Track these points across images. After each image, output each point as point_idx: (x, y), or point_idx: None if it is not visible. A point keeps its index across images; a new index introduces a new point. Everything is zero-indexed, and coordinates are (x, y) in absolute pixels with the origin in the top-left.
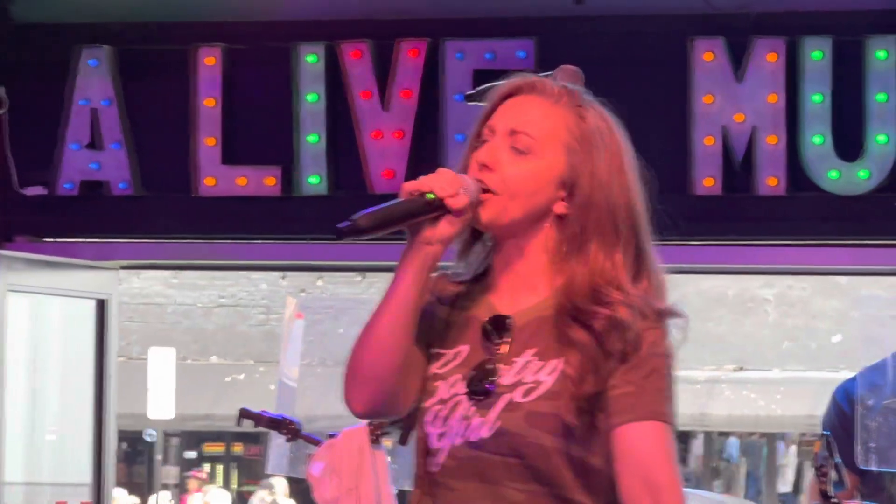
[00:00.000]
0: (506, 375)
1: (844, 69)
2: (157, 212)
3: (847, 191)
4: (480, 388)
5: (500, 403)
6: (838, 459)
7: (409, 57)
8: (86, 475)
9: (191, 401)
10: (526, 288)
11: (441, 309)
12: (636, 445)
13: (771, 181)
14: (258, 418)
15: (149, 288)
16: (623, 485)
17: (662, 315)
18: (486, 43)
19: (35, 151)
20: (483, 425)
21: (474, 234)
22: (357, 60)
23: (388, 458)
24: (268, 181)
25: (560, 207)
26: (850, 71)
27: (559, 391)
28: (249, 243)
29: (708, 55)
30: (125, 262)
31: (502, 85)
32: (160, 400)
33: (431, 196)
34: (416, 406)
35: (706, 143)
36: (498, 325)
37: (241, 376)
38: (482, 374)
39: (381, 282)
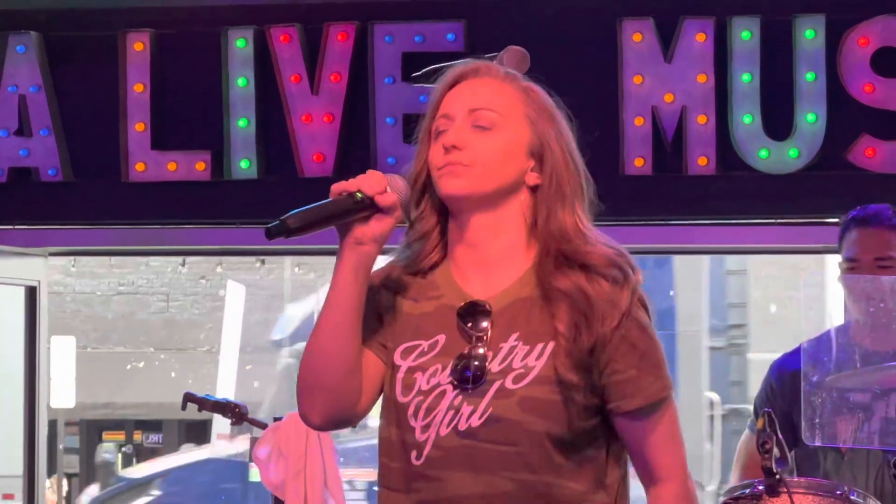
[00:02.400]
0: (493, 362)
1: (773, 49)
2: (86, 198)
3: (777, 170)
4: (468, 375)
5: (491, 390)
6: (781, 436)
7: (338, 40)
8: (17, 466)
9: (91, 389)
10: (497, 268)
11: (402, 302)
12: (641, 433)
13: (701, 161)
14: (202, 402)
15: (48, 276)
16: (636, 469)
17: (632, 274)
18: (414, 26)
19: None
20: (473, 413)
21: (438, 221)
22: (286, 44)
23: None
24: (198, 166)
25: (532, 178)
26: (778, 50)
27: (550, 375)
28: (180, 228)
29: (637, 36)
30: (55, 249)
31: (446, 75)
32: (61, 389)
33: (360, 195)
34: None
35: (636, 124)
36: (474, 311)
37: (141, 364)
38: (469, 361)
39: (279, 268)
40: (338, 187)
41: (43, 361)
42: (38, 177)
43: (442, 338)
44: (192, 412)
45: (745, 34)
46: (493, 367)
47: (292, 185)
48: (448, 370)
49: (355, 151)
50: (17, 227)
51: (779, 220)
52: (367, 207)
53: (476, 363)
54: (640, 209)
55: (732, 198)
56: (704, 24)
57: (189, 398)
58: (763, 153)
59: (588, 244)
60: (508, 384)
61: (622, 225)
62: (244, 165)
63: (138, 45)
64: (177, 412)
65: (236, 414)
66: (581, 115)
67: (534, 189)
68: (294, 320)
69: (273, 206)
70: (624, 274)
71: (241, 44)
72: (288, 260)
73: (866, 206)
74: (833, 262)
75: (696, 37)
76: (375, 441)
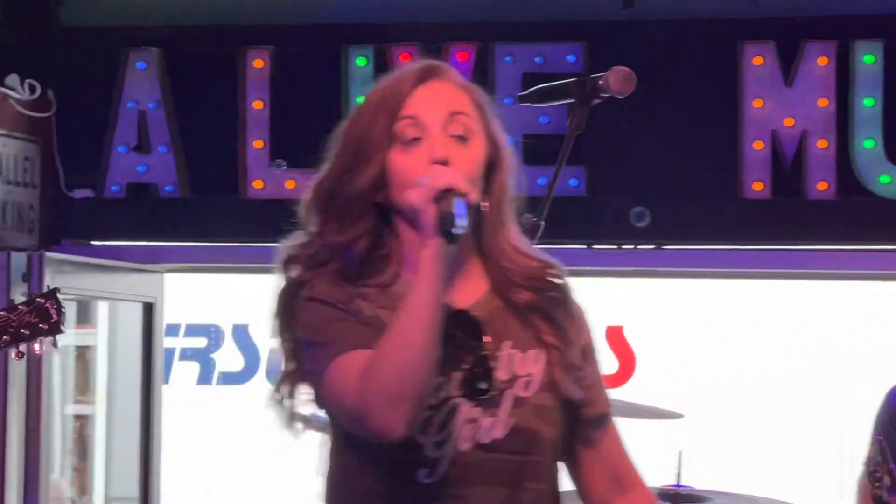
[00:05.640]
0: (499, 371)
1: None
2: (204, 214)
3: None
4: (482, 387)
5: (507, 400)
6: (893, 464)
7: (459, 60)
8: (133, 488)
9: None
10: (463, 280)
11: (383, 313)
12: (608, 440)
13: (821, 186)
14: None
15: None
16: (592, 478)
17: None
18: (535, 47)
19: (83, 154)
20: (495, 425)
21: (376, 226)
22: (407, 63)
23: None
24: None
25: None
26: None
27: (549, 381)
28: None
29: (758, 59)
30: (172, 266)
31: (403, 74)
32: None
33: (456, 193)
34: None
35: (756, 148)
36: (460, 321)
37: None
38: (479, 372)
39: None
40: (441, 183)
41: (159, 380)
42: (157, 193)
43: None
44: None
45: (868, 58)
46: (501, 375)
47: None
48: (455, 383)
49: None
50: (134, 243)
51: None
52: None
53: (486, 372)
54: (758, 234)
55: (852, 223)
56: (826, 48)
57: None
58: (884, 178)
59: (524, 257)
60: (520, 392)
61: (740, 249)
62: None
63: (258, 62)
64: None
65: None
66: (700, 137)
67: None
68: None
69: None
70: (566, 283)
71: (361, 62)
72: None
73: None
74: None
75: (818, 60)
76: None
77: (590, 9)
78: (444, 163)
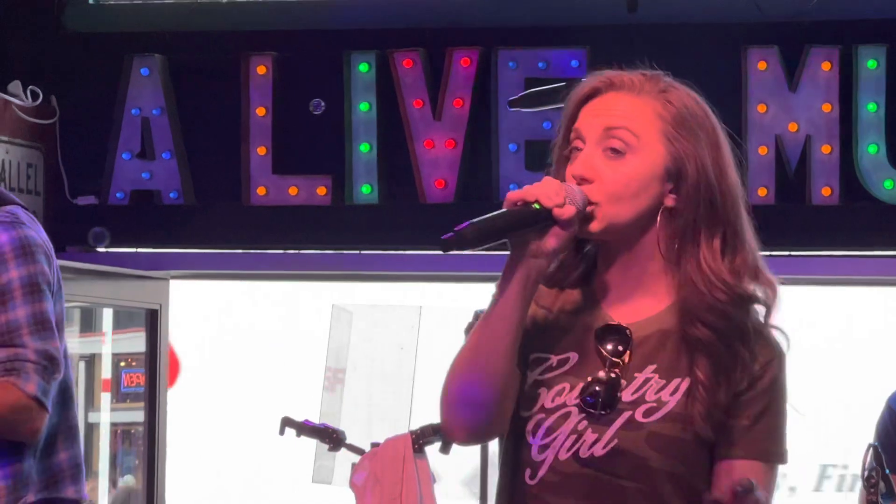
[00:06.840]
0: (626, 391)
1: None
2: (208, 221)
3: None
4: (599, 402)
5: (619, 421)
6: (888, 470)
7: (462, 66)
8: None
9: None
10: (641, 295)
11: (540, 312)
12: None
13: (825, 191)
14: (301, 427)
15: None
16: None
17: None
18: (538, 52)
19: (86, 161)
20: (597, 442)
21: (577, 240)
22: (409, 69)
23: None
24: (319, 190)
25: (670, 200)
26: None
27: (682, 413)
28: (301, 253)
29: (762, 64)
30: (176, 272)
31: (579, 87)
32: None
33: (538, 206)
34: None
35: (760, 153)
36: (613, 335)
37: None
38: (602, 387)
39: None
40: (514, 196)
41: (164, 385)
42: (160, 200)
43: (574, 356)
44: None
45: (871, 63)
46: (626, 396)
47: (413, 210)
48: (576, 391)
49: (477, 178)
50: (138, 249)
51: None
52: (544, 219)
53: (608, 389)
54: (762, 239)
55: (856, 229)
56: (830, 53)
57: (287, 423)
58: (888, 184)
59: (714, 286)
60: (638, 417)
61: None
62: (365, 190)
63: (261, 69)
64: None
65: (334, 440)
66: None
67: (670, 211)
68: None
69: (394, 231)
70: (757, 323)
71: (363, 68)
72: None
73: None
74: None
75: (822, 65)
76: None
77: (593, 13)
78: (581, 181)
